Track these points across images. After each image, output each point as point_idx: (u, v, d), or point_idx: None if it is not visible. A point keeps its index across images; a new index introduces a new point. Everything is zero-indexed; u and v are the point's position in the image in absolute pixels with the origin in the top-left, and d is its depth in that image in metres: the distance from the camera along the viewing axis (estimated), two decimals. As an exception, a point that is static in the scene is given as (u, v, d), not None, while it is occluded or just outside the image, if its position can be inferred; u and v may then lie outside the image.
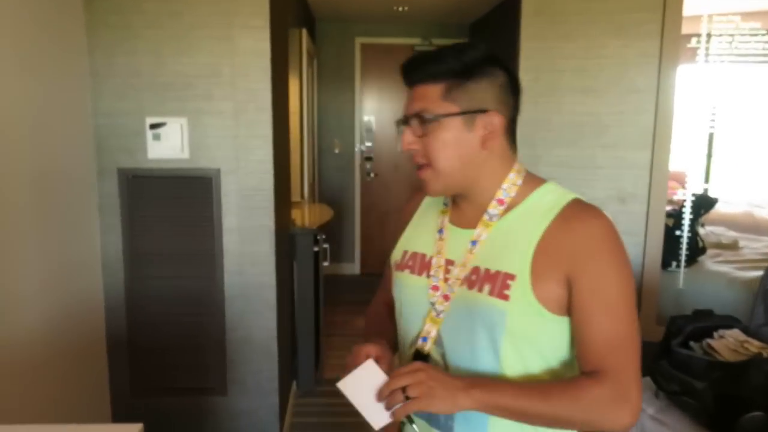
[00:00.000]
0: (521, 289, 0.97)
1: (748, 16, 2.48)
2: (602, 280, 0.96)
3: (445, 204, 1.16)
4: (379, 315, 1.30)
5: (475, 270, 1.03)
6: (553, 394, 0.95)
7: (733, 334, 1.85)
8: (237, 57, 2.29)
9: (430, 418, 1.07)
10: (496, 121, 1.03)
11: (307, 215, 3.59)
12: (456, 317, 1.04)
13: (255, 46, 2.29)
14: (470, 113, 1.02)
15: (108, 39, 2.24)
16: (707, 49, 2.51)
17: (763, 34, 2.42)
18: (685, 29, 2.40)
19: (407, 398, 0.93)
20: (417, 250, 1.14)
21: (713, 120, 2.82)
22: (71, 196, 2.10)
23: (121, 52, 2.25)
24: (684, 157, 2.98)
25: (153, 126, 2.29)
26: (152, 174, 2.31)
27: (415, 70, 1.05)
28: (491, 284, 0.99)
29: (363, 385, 1.00)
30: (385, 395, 0.96)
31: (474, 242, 1.05)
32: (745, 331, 1.90)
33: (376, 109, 5.59)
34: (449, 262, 1.07)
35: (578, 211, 1.00)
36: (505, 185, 1.06)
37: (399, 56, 5.53)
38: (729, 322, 1.95)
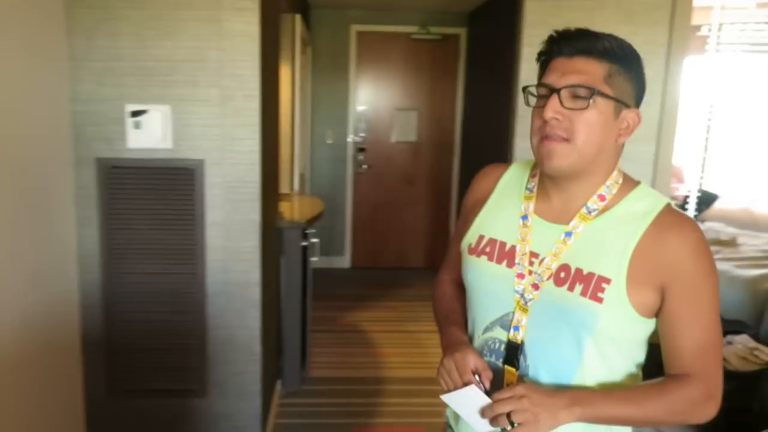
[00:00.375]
0: (616, 293, 1.00)
1: (763, 5, 2.37)
2: (696, 292, 1.01)
3: (529, 189, 1.14)
4: (449, 295, 1.30)
5: (564, 268, 1.04)
6: (649, 400, 1.01)
7: (742, 341, 1.75)
8: (224, 40, 2.16)
9: None
10: (635, 119, 1.06)
11: (296, 208, 3.46)
12: (543, 309, 1.05)
13: (244, 29, 2.16)
14: (622, 103, 1.04)
15: (87, 19, 2.10)
16: (719, 37, 2.39)
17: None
18: (696, 21, 2.30)
19: (511, 423, 0.97)
20: (495, 237, 1.14)
21: (710, 113, 2.72)
22: (46, 187, 1.97)
23: (101, 33, 2.11)
24: (681, 152, 2.87)
25: (134, 113, 2.16)
26: (132, 164, 2.18)
27: (581, 40, 1.03)
28: (584, 285, 1.02)
29: (467, 402, 1.04)
30: (489, 417, 1.00)
31: (569, 234, 1.06)
32: (755, 337, 1.80)
33: (370, 99, 5.45)
34: (533, 255, 1.08)
35: (675, 221, 1.03)
36: (608, 182, 1.08)
37: (395, 45, 5.46)
38: (737, 327, 1.86)
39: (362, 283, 5.28)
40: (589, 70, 1.01)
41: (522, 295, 1.07)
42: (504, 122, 3.98)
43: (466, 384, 1.03)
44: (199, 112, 2.18)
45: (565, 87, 1.01)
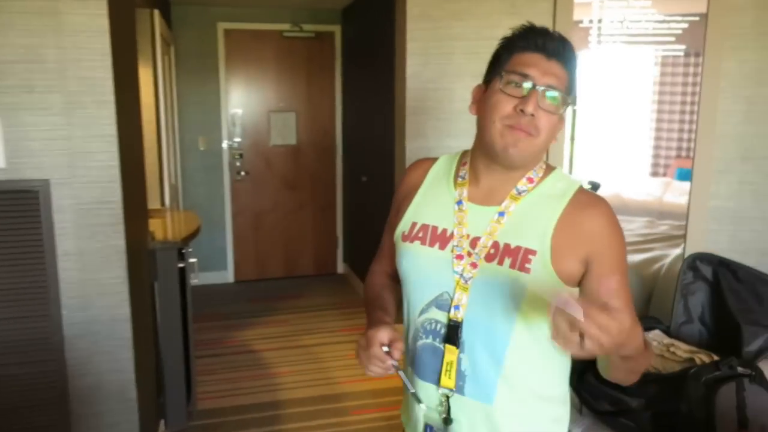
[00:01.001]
0: (542, 263, 1.08)
1: (661, 4, 2.40)
2: (615, 257, 1.11)
3: (462, 177, 1.20)
4: (379, 285, 1.35)
5: (494, 245, 1.12)
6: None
7: (657, 337, 1.73)
8: (65, 37, 1.82)
9: (433, 377, 1.16)
10: (562, 122, 1.14)
11: (169, 226, 3.11)
12: (480, 286, 1.11)
13: (89, 22, 1.83)
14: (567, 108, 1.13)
15: None
16: (599, 29, 2.40)
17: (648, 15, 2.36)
18: (579, 15, 2.29)
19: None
20: (429, 222, 1.20)
21: (578, 103, 2.74)
22: None
23: None
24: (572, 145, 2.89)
25: (-50, 126, 1.76)
26: (-47, 189, 1.77)
27: (560, 44, 1.10)
28: (512, 258, 1.09)
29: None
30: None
31: (502, 213, 1.13)
32: (666, 332, 1.80)
33: (244, 102, 5.12)
34: (467, 236, 1.14)
35: (589, 200, 1.13)
36: (536, 167, 1.16)
37: (267, 44, 5.15)
38: (649, 323, 1.84)
39: (249, 297, 4.95)
40: (562, 75, 1.09)
41: (461, 275, 1.12)
42: (389, 121, 3.86)
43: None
44: (38, 122, 1.82)
45: (547, 87, 1.07)
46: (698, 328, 1.85)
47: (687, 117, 6.24)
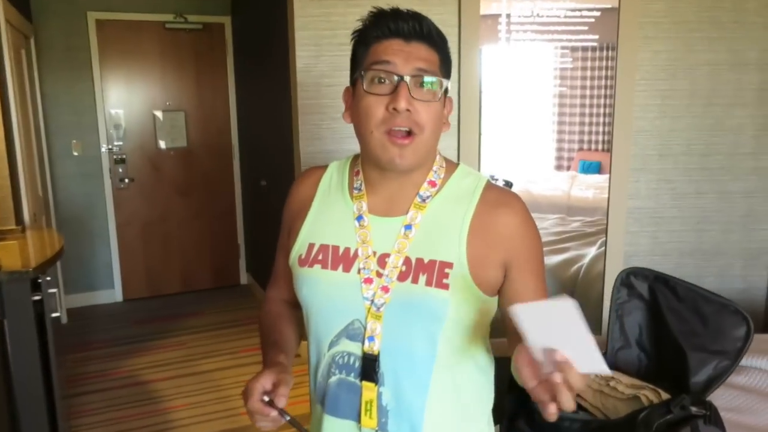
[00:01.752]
0: (461, 276, 0.98)
1: None
2: (533, 258, 1.03)
3: (357, 189, 1.07)
4: (274, 314, 1.19)
5: (406, 261, 1.00)
6: None
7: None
8: None
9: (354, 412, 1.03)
10: (450, 106, 1.06)
11: (22, 252, 2.63)
12: (395, 311, 0.99)
13: None
14: (446, 91, 1.02)
15: None
16: (509, 18, 2.20)
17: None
18: (490, 9, 2.09)
19: None
20: (328, 242, 1.06)
21: (481, 99, 2.56)
22: None
23: None
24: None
25: None
26: None
27: (417, 23, 0.97)
28: (428, 274, 0.98)
29: (552, 323, 0.76)
30: None
31: (408, 226, 1.02)
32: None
33: (125, 101, 4.60)
34: (374, 254, 1.02)
35: (499, 195, 1.04)
36: (435, 167, 1.05)
37: (148, 36, 4.61)
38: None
39: (140, 318, 4.45)
40: (427, 57, 0.97)
41: (372, 301, 1.00)
42: (286, 120, 3.53)
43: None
44: None
45: (414, 75, 0.95)
46: (636, 353, 1.68)
47: (587, 110, 6.30)
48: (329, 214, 1.09)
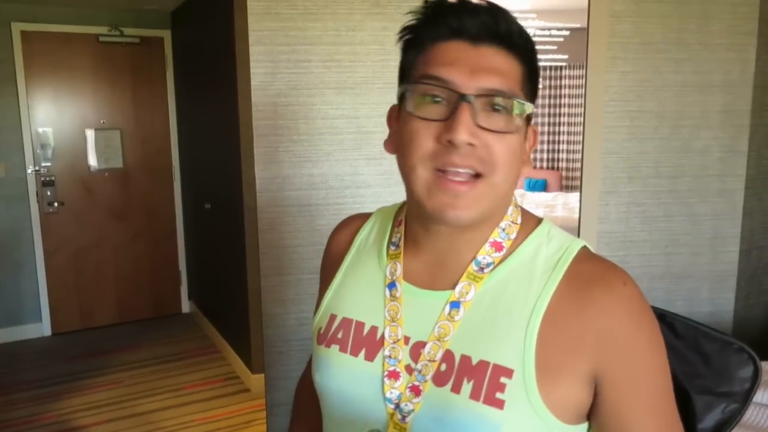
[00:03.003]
0: (523, 390, 0.67)
1: (546, 14, 2.13)
2: (644, 374, 0.70)
3: (394, 245, 0.82)
4: (309, 395, 0.91)
5: (447, 356, 0.71)
6: None
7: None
8: None
9: None
10: (535, 138, 0.77)
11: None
12: (424, 425, 0.70)
13: None
14: (530, 118, 0.73)
15: None
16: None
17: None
18: None
19: None
20: (350, 315, 0.80)
21: None
22: None
23: None
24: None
25: None
26: None
27: (492, 18, 0.68)
28: (475, 382, 0.68)
29: None
30: None
31: (456, 304, 0.72)
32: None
33: (54, 119, 4.27)
34: (406, 339, 0.75)
35: (598, 271, 0.71)
36: (504, 223, 0.76)
37: (80, 50, 4.30)
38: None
39: (71, 354, 4.10)
40: (508, 69, 0.70)
41: (397, 407, 0.72)
42: (234, 140, 3.33)
43: None
44: None
45: (483, 95, 0.68)
46: None
47: (539, 128, 6.37)
48: (359, 278, 0.83)
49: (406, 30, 0.76)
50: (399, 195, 2.11)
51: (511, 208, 0.77)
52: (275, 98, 2.01)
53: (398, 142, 0.74)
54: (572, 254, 0.73)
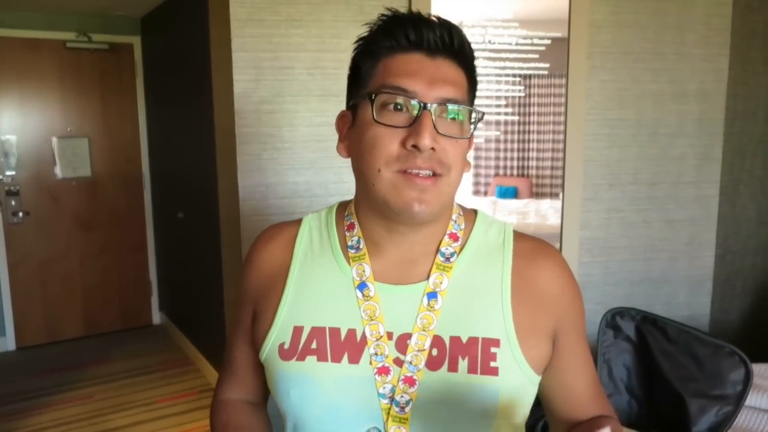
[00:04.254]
0: (510, 355, 0.77)
1: (528, 23, 2.16)
2: (580, 325, 0.85)
3: (353, 248, 0.83)
4: (233, 427, 0.87)
5: (437, 342, 0.77)
6: None
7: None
8: None
9: None
10: (471, 139, 0.82)
11: None
12: (427, 411, 0.75)
13: None
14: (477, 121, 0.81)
15: None
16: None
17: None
18: None
19: None
20: (322, 324, 0.80)
21: None
22: None
23: None
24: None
25: None
26: None
27: (446, 33, 0.75)
28: (469, 357, 0.76)
29: None
30: None
31: (433, 295, 0.78)
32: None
33: (18, 126, 4.14)
34: (389, 335, 0.78)
35: (534, 245, 0.85)
36: (454, 216, 0.85)
37: (47, 56, 4.17)
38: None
39: (37, 369, 3.95)
40: (458, 79, 0.78)
41: (392, 400, 0.76)
42: (208, 148, 3.28)
43: None
44: None
45: (441, 103, 0.75)
46: (627, 399, 1.60)
47: (509, 136, 6.45)
48: (319, 285, 0.83)
49: (363, 40, 0.81)
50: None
51: (455, 204, 0.86)
52: (258, 105, 1.99)
53: (356, 147, 0.80)
54: (510, 234, 0.85)
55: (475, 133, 0.82)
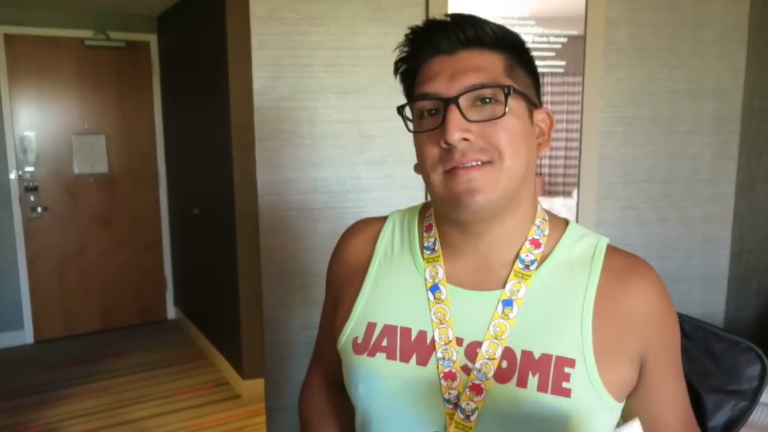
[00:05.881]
0: (586, 377, 0.72)
1: (544, 21, 2.16)
2: (673, 350, 0.83)
3: (429, 249, 0.83)
4: (315, 411, 0.94)
5: (508, 354, 0.74)
6: None
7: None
8: None
9: None
10: (548, 120, 0.80)
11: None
12: (493, 423, 0.72)
13: None
14: (532, 102, 0.78)
15: None
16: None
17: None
18: None
19: None
20: (394, 322, 0.80)
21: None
22: None
23: None
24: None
25: None
26: None
27: (461, 29, 0.76)
28: (540, 374, 0.72)
29: None
30: None
31: (508, 303, 0.75)
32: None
33: (38, 123, 4.21)
34: (459, 341, 0.77)
35: (628, 261, 0.79)
36: (538, 221, 0.81)
37: (65, 54, 4.24)
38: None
39: (55, 362, 4.02)
40: (485, 63, 0.76)
41: (457, 406, 0.74)
42: (225, 145, 3.32)
43: None
44: None
45: (464, 92, 0.74)
46: None
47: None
48: (395, 283, 0.84)
49: (398, 64, 0.84)
50: (399, 199, 2.14)
51: (539, 208, 0.83)
52: (278, 102, 2.01)
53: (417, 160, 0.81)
54: (603, 249, 0.80)
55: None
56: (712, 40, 2.18)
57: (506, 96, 0.74)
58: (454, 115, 0.73)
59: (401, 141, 2.12)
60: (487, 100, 0.75)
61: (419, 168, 0.80)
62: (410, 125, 0.79)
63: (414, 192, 2.16)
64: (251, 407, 3.27)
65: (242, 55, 2.55)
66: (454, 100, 0.73)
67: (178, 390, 3.55)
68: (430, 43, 0.78)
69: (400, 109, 0.80)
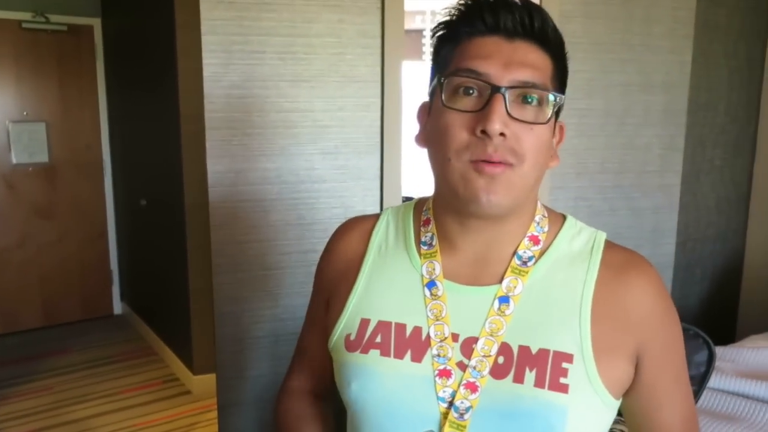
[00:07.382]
0: (584, 373, 0.71)
1: None
2: (671, 348, 0.79)
3: (427, 244, 0.81)
4: (294, 417, 0.90)
5: (504, 349, 0.73)
6: None
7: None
8: None
9: None
10: (562, 134, 0.81)
11: None
12: (488, 420, 0.71)
13: None
14: (559, 114, 0.77)
15: None
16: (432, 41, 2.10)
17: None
18: (414, 25, 2.00)
19: None
20: (388, 318, 0.79)
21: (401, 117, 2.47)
22: None
23: None
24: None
25: None
26: None
27: (528, 15, 0.71)
28: (538, 370, 0.71)
29: None
30: None
31: (505, 299, 0.75)
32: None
33: (-30, 109, 3.98)
34: (454, 337, 0.75)
35: (626, 257, 0.78)
36: (537, 217, 0.80)
37: (0, 36, 4.06)
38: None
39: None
40: (540, 63, 0.73)
41: (451, 404, 0.73)
42: (173, 133, 3.21)
43: None
44: None
45: (516, 87, 0.70)
46: None
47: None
48: (390, 279, 0.82)
49: (442, 25, 0.78)
50: (354, 190, 2.10)
51: (539, 205, 0.81)
52: (228, 90, 1.95)
53: (430, 136, 0.77)
54: (601, 244, 0.79)
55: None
56: (662, 34, 2.23)
57: (554, 105, 0.72)
58: (500, 105, 0.69)
59: (356, 131, 2.08)
60: (530, 100, 0.71)
61: (433, 145, 0.75)
62: (444, 98, 0.73)
63: (369, 182, 2.13)
64: (202, 403, 3.20)
65: (192, 40, 2.46)
66: (503, 90, 0.70)
67: (125, 387, 3.44)
68: (494, 17, 0.72)
69: (441, 78, 0.74)
